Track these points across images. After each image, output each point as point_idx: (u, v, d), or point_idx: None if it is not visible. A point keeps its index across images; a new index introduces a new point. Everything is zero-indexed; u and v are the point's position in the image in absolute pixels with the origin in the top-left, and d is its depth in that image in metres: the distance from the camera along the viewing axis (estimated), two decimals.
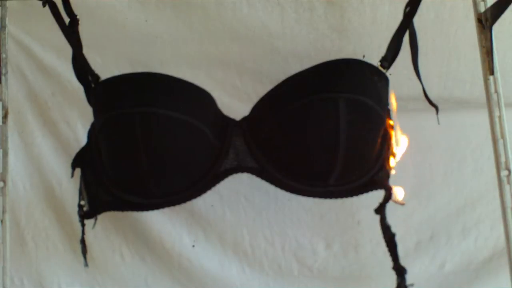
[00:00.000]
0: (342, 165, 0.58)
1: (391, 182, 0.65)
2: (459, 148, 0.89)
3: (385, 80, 0.61)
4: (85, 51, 0.64)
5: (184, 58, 0.85)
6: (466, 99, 0.87)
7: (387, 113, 0.63)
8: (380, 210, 0.64)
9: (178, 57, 0.85)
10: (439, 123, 0.65)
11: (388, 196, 0.63)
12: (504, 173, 0.67)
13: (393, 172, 0.64)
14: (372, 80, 0.59)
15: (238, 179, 0.62)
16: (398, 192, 0.64)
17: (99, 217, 0.63)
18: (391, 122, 0.65)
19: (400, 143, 0.65)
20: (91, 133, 0.64)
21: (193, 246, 0.90)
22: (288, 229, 0.90)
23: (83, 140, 0.65)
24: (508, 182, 0.67)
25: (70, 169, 0.65)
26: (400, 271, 0.65)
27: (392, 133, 0.64)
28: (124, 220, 0.90)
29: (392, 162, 0.64)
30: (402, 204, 0.65)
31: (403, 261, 0.90)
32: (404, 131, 0.66)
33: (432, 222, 0.90)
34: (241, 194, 0.90)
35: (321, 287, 0.92)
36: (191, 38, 0.84)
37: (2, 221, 0.63)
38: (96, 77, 0.61)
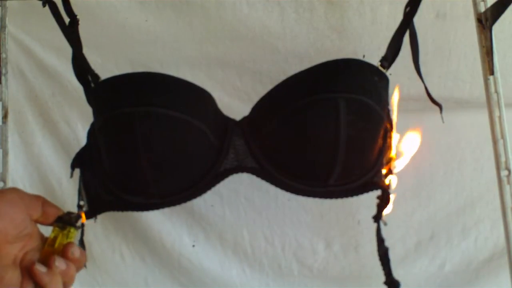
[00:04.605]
0: (342, 165, 0.58)
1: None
2: (459, 148, 0.89)
3: (385, 80, 0.61)
4: (85, 51, 0.63)
5: (184, 58, 0.85)
6: (466, 99, 0.87)
7: (387, 113, 0.63)
8: (378, 216, 0.64)
9: (178, 57, 0.85)
10: (443, 122, 0.65)
11: (386, 198, 0.62)
12: (504, 173, 0.67)
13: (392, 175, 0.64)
14: (372, 80, 0.59)
15: (238, 179, 0.62)
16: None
17: (99, 217, 0.63)
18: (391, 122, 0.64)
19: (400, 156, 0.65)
20: (91, 133, 0.63)
21: (193, 246, 0.90)
22: (288, 229, 0.90)
23: (83, 140, 0.65)
24: (508, 182, 0.67)
25: (70, 169, 0.65)
26: (393, 285, 0.64)
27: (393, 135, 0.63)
28: (124, 220, 0.90)
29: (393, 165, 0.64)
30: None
31: (403, 261, 0.90)
32: (403, 131, 0.66)
33: (432, 222, 0.90)
34: (241, 194, 0.89)
35: (321, 287, 0.91)
36: (191, 38, 0.84)
37: None
38: (96, 77, 0.61)
